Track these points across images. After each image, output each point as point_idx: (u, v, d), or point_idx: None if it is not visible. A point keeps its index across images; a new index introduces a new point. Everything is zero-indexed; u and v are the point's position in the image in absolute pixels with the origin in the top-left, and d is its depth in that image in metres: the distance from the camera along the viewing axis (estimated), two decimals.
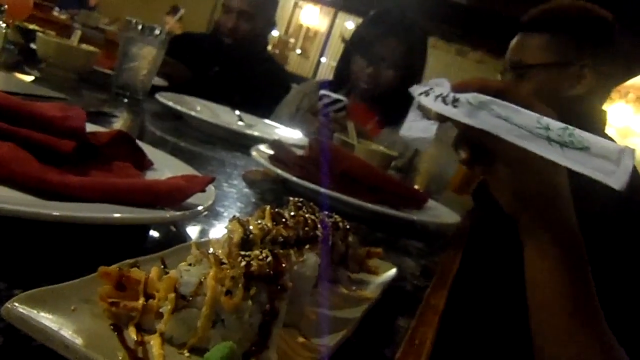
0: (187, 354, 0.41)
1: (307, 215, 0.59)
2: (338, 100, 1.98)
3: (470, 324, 1.25)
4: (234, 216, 0.52)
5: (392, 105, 2.26)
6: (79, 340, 0.37)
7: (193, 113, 1.57)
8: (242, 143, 1.47)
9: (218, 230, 0.78)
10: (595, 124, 1.58)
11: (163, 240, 0.70)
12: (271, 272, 0.43)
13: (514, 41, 1.70)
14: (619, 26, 1.58)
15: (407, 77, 2.23)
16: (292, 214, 0.59)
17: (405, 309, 0.73)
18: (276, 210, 0.58)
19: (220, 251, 0.46)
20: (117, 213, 0.59)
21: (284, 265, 0.44)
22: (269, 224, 0.54)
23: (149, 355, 0.39)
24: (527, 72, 1.60)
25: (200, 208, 0.68)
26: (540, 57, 1.60)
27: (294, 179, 1.14)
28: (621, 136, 6.80)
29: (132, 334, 0.41)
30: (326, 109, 1.97)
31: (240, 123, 1.80)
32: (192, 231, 0.75)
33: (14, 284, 0.46)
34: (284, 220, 0.56)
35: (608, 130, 1.70)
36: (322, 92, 2.04)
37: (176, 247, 0.56)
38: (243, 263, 0.43)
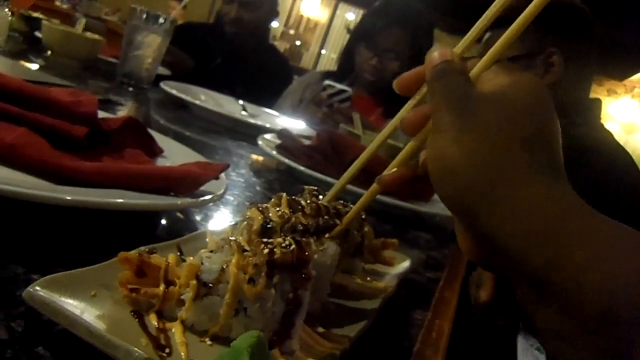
0: (209, 342, 0.40)
1: (324, 204, 0.58)
2: (343, 91, 1.97)
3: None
4: (252, 202, 0.51)
5: (397, 97, 2.24)
6: (101, 326, 0.36)
7: (198, 102, 1.56)
8: (247, 132, 1.46)
9: (227, 219, 0.77)
10: (583, 112, 1.57)
11: (173, 228, 0.69)
12: (295, 260, 0.42)
13: (484, 39, 1.71)
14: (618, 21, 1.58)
15: (412, 69, 2.21)
16: (309, 202, 0.58)
17: (418, 301, 0.72)
18: (293, 197, 0.56)
19: (240, 238, 0.45)
20: (130, 199, 0.58)
21: (307, 253, 0.43)
22: (287, 212, 0.53)
23: (171, 342, 0.38)
24: None
25: (213, 196, 0.67)
26: (507, 51, 1.61)
27: (302, 168, 1.12)
28: (626, 132, 6.75)
29: (153, 320, 0.40)
30: (331, 100, 1.96)
31: (243, 113, 1.79)
32: (202, 219, 0.74)
33: (32, 268, 0.45)
34: (300, 207, 0.55)
35: (613, 125, 1.69)
36: (327, 82, 2.02)
37: (191, 235, 0.55)
38: (266, 250, 0.42)
